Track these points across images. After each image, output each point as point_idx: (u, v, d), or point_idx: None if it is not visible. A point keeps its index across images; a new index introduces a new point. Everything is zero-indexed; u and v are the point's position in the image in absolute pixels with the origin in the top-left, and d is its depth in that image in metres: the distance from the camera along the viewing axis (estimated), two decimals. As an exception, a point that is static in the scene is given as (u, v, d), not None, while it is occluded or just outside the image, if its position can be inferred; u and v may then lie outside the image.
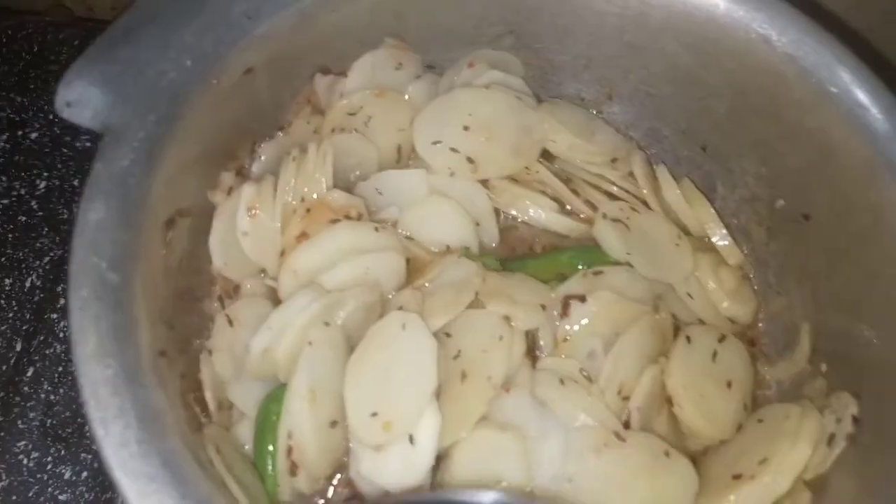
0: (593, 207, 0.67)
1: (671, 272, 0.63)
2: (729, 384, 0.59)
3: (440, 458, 0.52)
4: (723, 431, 0.58)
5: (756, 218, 0.66)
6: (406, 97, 0.65)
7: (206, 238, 0.56)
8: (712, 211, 0.67)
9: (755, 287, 0.67)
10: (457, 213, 0.62)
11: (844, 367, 0.57)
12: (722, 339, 0.61)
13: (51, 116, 0.84)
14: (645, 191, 0.67)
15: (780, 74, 0.58)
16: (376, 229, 0.57)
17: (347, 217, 0.57)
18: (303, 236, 0.55)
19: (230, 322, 0.54)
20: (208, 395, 0.51)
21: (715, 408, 0.58)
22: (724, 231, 0.67)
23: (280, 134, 0.62)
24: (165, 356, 0.46)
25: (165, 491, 0.39)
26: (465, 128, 0.63)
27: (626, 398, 0.56)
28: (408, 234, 0.62)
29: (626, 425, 0.56)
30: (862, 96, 0.56)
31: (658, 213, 0.66)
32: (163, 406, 0.42)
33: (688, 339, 0.60)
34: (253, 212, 0.56)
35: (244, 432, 0.52)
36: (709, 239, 0.67)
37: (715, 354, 0.60)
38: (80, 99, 0.49)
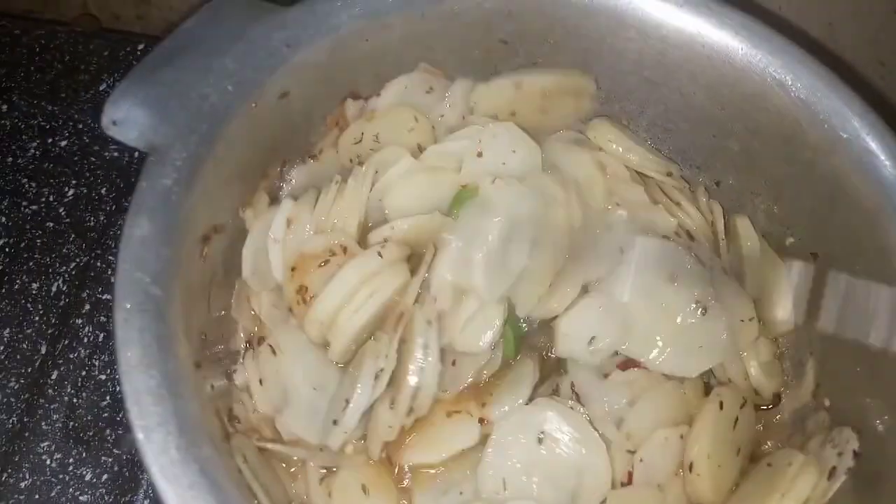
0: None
1: (730, 349, 0.63)
2: (738, 451, 0.60)
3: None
4: (723, 498, 0.58)
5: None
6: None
7: (236, 253, 0.58)
8: (783, 276, 0.65)
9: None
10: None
11: (847, 402, 0.59)
12: (743, 404, 0.61)
13: (80, 125, 0.87)
14: (721, 237, 0.67)
15: (794, 118, 0.60)
16: (379, 254, 0.58)
17: (333, 254, 0.58)
18: (303, 290, 0.57)
19: (273, 351, 0.57)
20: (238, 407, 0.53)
21: (726, 477, 0.58)
22: (789, 302, 0.65)
23: (310, 161, 0.65)
24: (200, 368, 0.48)
25: (203, 497, 0.41)
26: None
27: (632, 452, 0.57)
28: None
29: (629, 478, 0.57)
30: (871, 143, 0.58)
31: (735, 284, 0.65)
32: (198, 415, 0.44)
33: (721, 405, 0.59)
34: (291, 224, 0.59)
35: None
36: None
37: (736, 421, 0.60)
38: (126, 118, 0.51)
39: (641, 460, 0.58)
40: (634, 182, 0.68)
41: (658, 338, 0.61)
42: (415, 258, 0.61)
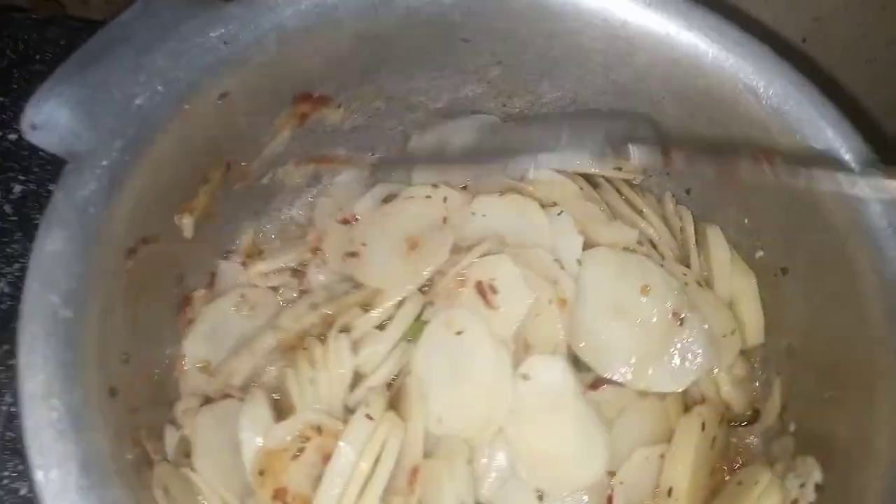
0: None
1: (712, 362, 0.60)
2: (712, 471, 0.58)
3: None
4: None
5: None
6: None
7: (170, 261, 0.55)
8: (755, 287, 0.64)
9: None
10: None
11: (813, 430, 0.57)
12: (720, 421, 0.59)
13: (31, 118, 0.83)
14: (692, 244, 0.64)
15: (766, 127, 0.57)
16: (368, 417, 0.52)
17: (306, 440, 0.52)
18: (282, 495, 0.50)
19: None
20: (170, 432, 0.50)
21: (699, 497, 0.57)
22: (760, 315, 0.63)
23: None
24: (116, 394, 0.45)
25: (105, 544, 0.38)
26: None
27: (612, 473, 0.55)
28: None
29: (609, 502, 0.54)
30: (845, 155, 0.55)
31: (713, 296, 0.63)
32: (107, 449, 0.41)
33: (703, 425, 0.56)
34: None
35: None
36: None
37: (713, 441, 0.58)
38: (48, 122, 0.48)
39: (622, 483, 0.55)
40: (588, 200, 0.65)
41: (632, 354, 0.58)
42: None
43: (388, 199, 0.66)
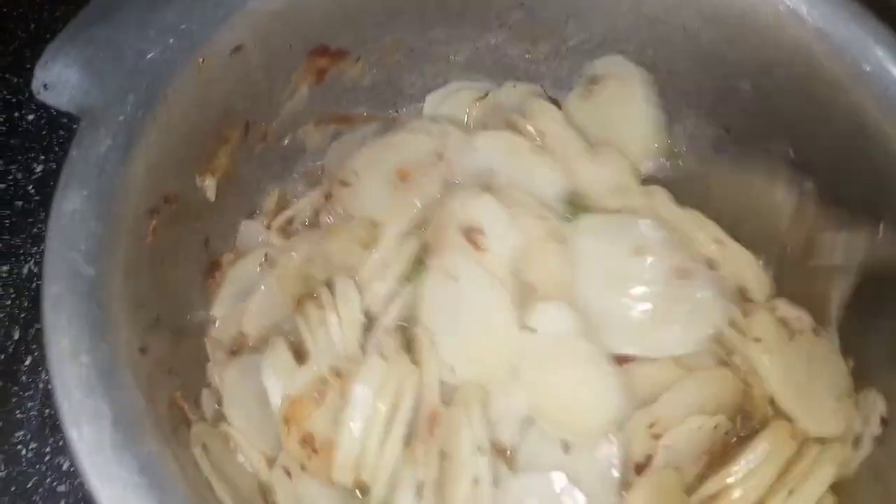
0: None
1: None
2: None
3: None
4: None
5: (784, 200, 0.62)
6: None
7: (195, 224, 0.53)
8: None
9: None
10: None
11: (872, 364, 0.54)
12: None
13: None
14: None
15: (810, 51, 0.54)
16: (382, 356, 0.51)
17: (325, 383, 0.51)
18: (309, 441, 0.49)
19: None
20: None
21: None
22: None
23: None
24: (146, 353, 0.44)
25: (140, 498, 0.37)
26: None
27: (658, 436, 0.52)
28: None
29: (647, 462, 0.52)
30: (898, 73, 0.51)
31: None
32: (141, 406, 0.40)
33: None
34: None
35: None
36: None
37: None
38: (58, 81, 0.47)
39: (668, 446, 0.52)
40: None
41: (636, 323, 0.55)
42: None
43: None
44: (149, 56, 0.48)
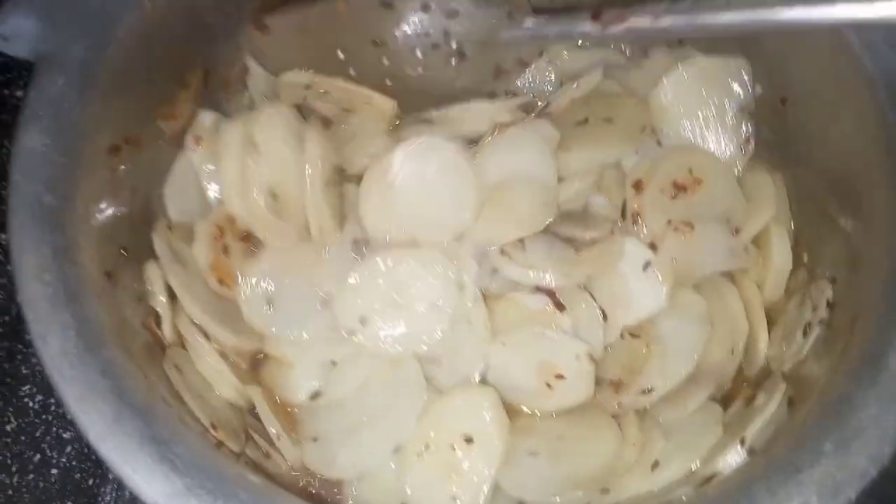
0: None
1: None
2: None
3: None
4: None
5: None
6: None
7: (159, 167, 0.56)
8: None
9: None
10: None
11: (822, 255, 0.55)
12: None
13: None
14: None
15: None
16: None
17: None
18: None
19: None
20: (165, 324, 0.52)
21: None
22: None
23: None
24: (112, 278, 0.47)
25: (102, 397, 0.40)
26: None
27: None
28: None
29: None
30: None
31: None
32: (105, 321, 0.43)
33: None
34: None
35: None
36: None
37: None
38: (16, 32, 0.49)
39: None
40: None
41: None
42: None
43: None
44: (97, 2, 0.50)
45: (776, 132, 0.60)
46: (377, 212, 0.57)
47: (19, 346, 0.73)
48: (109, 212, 0.50)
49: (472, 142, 0.60)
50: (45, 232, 0.43)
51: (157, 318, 0.52)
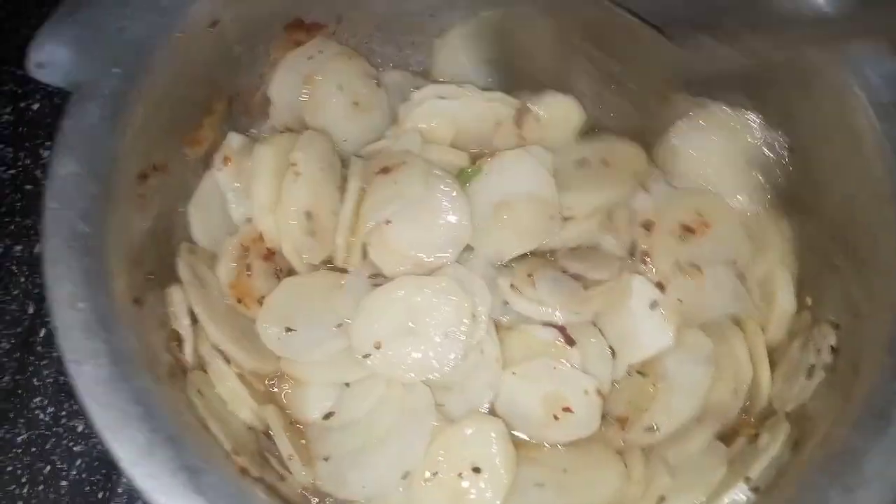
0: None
1: None
2: None
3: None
4: None
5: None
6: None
7: (183, 192, 0.58)
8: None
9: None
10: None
11: (826, 299, 0.57)
12: None
13: (50, 88, 0.86)
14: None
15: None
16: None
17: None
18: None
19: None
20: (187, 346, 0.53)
21: None
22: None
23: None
24: (141, 304, 0.48)
25: (136, 425, 0.41)
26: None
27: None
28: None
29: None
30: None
31: None
32: (136, 348, 0.44)
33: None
34: None
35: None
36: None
37: None
38: (50, 60, 0.51)
39: None
40: None
41: None
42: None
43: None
44: (130, 33, 0.51)
45: (783, 179, 0.62)
46: (377, 249, 0.59)
47: (31, 358, 0.74)
48: (138, 238, 0.51)
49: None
50: (80, 260, 0.45)
51: (180, 342, 0.53)
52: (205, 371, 0.53)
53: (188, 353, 0.53)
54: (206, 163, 0.61)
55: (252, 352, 0.56)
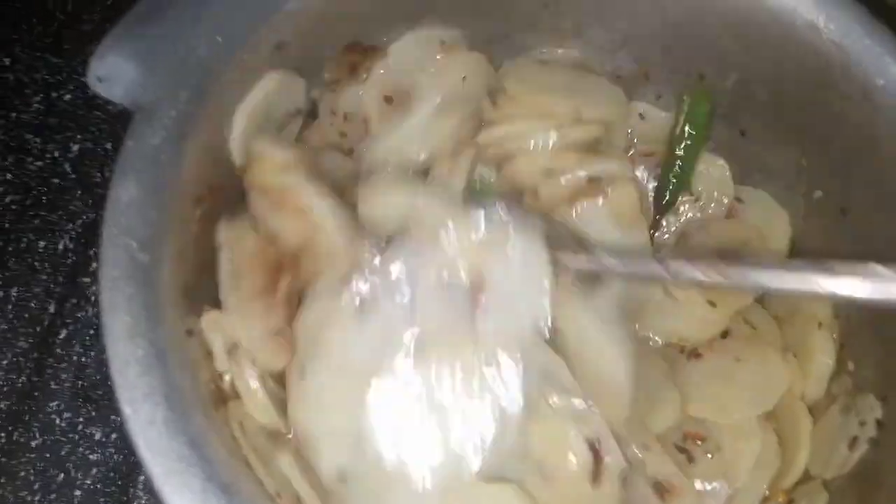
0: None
1: None
2: None
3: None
4: None
5: (792, 209, 0.65)
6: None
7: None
8: None
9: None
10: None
11: (871, 368, 0.57)
12: None
13: (84, 78, 0.84)
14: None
15: (825, 63, 0.56)
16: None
17: None
18: None
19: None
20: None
21: None
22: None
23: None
24: (193, 336, 0.47)
25: (191, 471, 0.40)
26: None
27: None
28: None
29: None
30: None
31: None
32: (189, 385, 0.43)
33: None
34: None
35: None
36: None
37: None
38: (112, 74, 0.49)
39: None
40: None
41: None
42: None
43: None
44: (198, 53, 0.50)
45: (832, 239, 0.62)
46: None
47: (49, 360, 0.73)
48: (190, 264, 0.50)
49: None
50: (139, 291, 0.43)
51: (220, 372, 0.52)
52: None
53: (227, 381, 0.52)
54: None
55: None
